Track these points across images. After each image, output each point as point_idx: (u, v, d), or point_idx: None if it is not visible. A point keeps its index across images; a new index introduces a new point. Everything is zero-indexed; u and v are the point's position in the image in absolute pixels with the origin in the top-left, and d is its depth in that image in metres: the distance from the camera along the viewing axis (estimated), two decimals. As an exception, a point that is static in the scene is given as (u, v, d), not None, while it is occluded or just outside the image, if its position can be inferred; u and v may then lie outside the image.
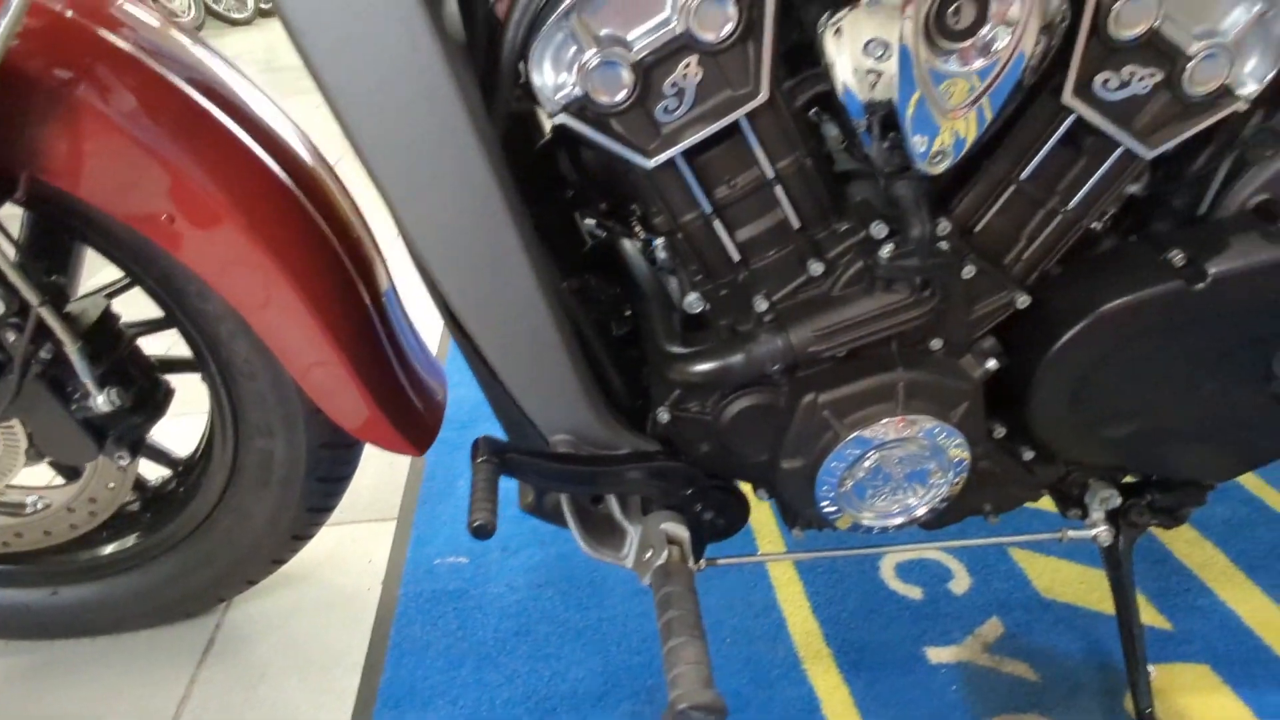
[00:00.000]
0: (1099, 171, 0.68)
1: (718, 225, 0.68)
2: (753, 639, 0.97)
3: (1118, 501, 0.84)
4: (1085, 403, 0.74)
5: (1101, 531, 0.83)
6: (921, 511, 0.74)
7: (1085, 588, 1.01)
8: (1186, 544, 1.08)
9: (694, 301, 0.72)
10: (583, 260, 0.84)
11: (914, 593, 1.01)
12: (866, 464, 0.72)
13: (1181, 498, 0.86)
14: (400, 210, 0.62)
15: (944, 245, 0.66)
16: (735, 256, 0.70)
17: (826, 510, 0.74)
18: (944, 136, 0.59)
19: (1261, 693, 0.88)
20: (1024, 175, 0.68)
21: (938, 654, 0.93)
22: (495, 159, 0.61)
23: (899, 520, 0.74)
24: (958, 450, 0.71)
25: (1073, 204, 0.69)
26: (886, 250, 0.65)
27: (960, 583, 1.03)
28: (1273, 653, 0.92)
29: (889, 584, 1.03)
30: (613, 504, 0.71)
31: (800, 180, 0.67)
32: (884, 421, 0.70)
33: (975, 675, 0.91)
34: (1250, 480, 1.18)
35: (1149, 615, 0.97)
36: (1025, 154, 0.67)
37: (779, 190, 0.68)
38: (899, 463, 0.72)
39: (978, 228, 0.70)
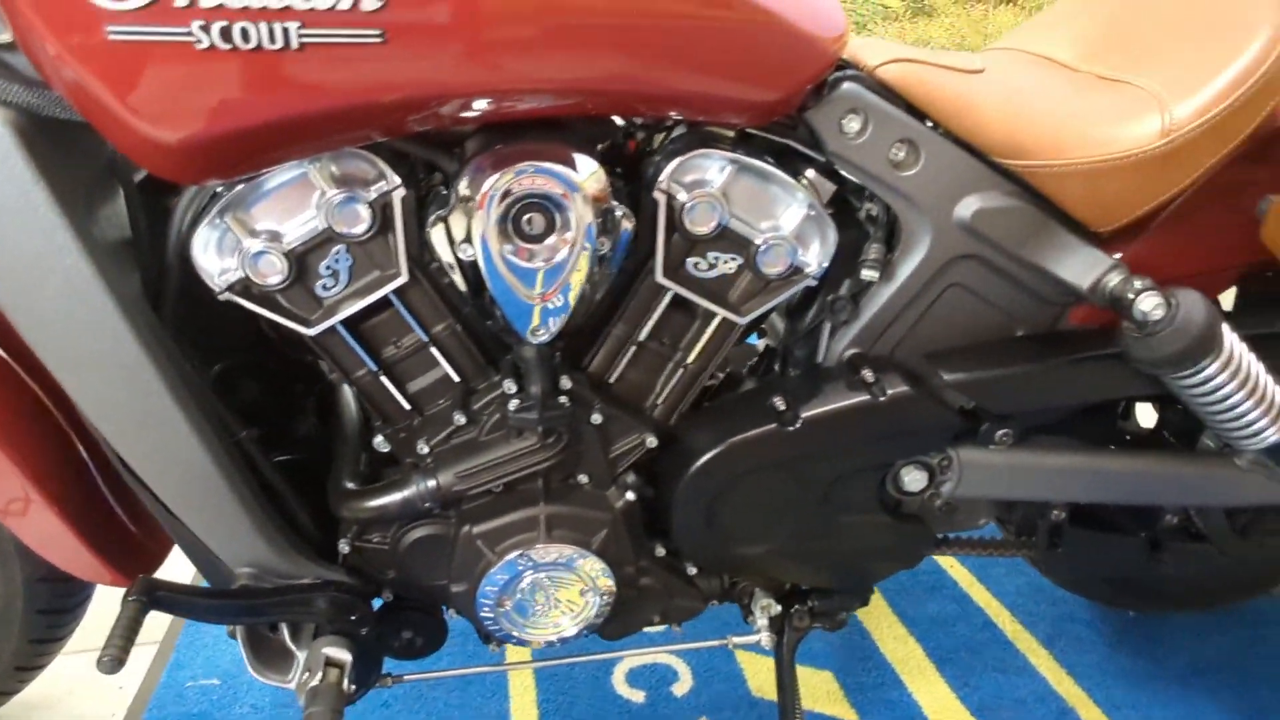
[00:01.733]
0: (706, 334, 0.82)
1: (386, 380, 0.79)
2: (477, 750, 1.03)
3: (778, 609, 0.95)
4: (718, 526, 0.86)
5: (764, 636, 0.94)
6: (574, 630, 0.84)
7: (806, 689, 1.10)
8: (894, 640, 1.21)
9: (380, 443, 0.82)
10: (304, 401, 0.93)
11: (638, 697, 1.10)
12: (521, 587, 0.81)
13: (841, 602, 0.99)
14: (65, 383, 0.70)
15: (564, 400, 0.78)
16: (406, 406, 0.80)
17: (491, 628, 0.83)
18: (536, 315, 0.71)
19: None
20: (642, 337, 0.81)
21: (648, 759, 1.02)
22: (147, 336, 0.70)
23: (552, 637, 0.84)
24: (600, 573, 0.82)
25: (691, 359, 0.83)
26: (513, 404, 0.76)
27: (683, 685, 1.12)
28: (940, 740, 1.04)
29: (617, 689, 1.11)
30: (283, 630, 0.78)
31: (454, 342, 0.79)
32: (531, 549, 0.80)
33: (671, 774, 0.99)
34: (962, 575, 1.33)
35: (839, 708, 1.08)
36: (640, 320, 0.81)
37: (435, 351, 0.79)
38: (549, 586, 0.82)
39: (613, 379, 0.83)
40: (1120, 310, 0.78)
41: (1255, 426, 0.83)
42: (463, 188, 0.69)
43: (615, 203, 0.72)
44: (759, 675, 1.13)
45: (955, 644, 1.19)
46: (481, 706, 1.08)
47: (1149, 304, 0.76)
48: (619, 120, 0.80)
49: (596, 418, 0.80)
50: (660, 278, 0.77)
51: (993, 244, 0.82)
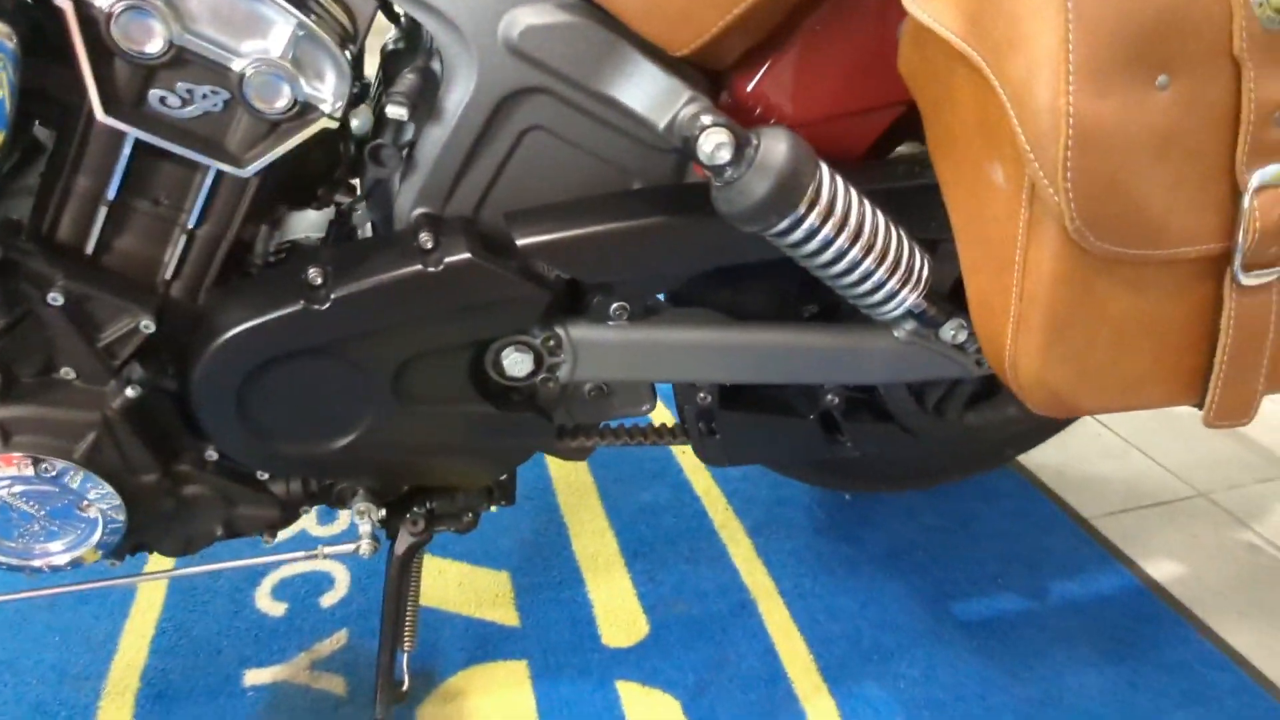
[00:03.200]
0: (204, 190, 0.66)
1: None
2: (66, 679, 0.90)
3: (381, 514, 0.84)
4: (257, 422, 0.72)
5: (364, 545, 0.83)
6: (66, 556, 0.70)
7: (460, 591, 1.02)
8: (591, 534, 1.11)
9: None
10: None
11: (278, 610, 0.99)
12: (-6, 504, 0.67)
13: (466, 502, 0.88)
14: None
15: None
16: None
17: (-24, 553, 0.70)
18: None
19: (556, 684, 0.91)
20: (112, 195, 0.64)
21: (257, 675, 0.91)
22: None
23: (40, 564, 0.70)
24: (88, 485, 0.68)
25: (195, 223, 0.67)
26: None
27: (335, 594, 1.01)
28: (600, 642, 0.96)
29: (258, 602, 1.00)
30: None
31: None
32: (-9, 461, 0.66)
33: (285, 695, 0.89)
34: (689, 462, 1.24)
35: (501, 612, 0.99)
36: (105, 173, 0.64)
37: None
38: (32, 501, 0.68)
39: (90, 249, 0.67)
40: (690, 153, 0.64)
41: (885, 290, 0.71)
42: None
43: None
44: (426, 579, 1.03)
45: (656, 536, 1.11)
46: (90, 629, 0.95)
47: (711, 143, 0.62)
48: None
49: (56, 297, 0.64)
50: (102, 116, 0.60)
51: (553, 72, 0.66)
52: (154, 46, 0.58)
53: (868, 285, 0.70)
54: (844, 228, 0.67)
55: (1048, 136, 0.53)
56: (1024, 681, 0.92)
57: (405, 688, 0.84)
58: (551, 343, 0.76)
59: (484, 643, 0.95)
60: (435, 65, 0.68)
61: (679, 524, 1.13)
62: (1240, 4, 0.54)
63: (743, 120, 0.68)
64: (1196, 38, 0.54)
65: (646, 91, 0.66)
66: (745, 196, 0.64)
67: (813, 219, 0.65)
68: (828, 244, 0.67)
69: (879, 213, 0.69)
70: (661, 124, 0.65)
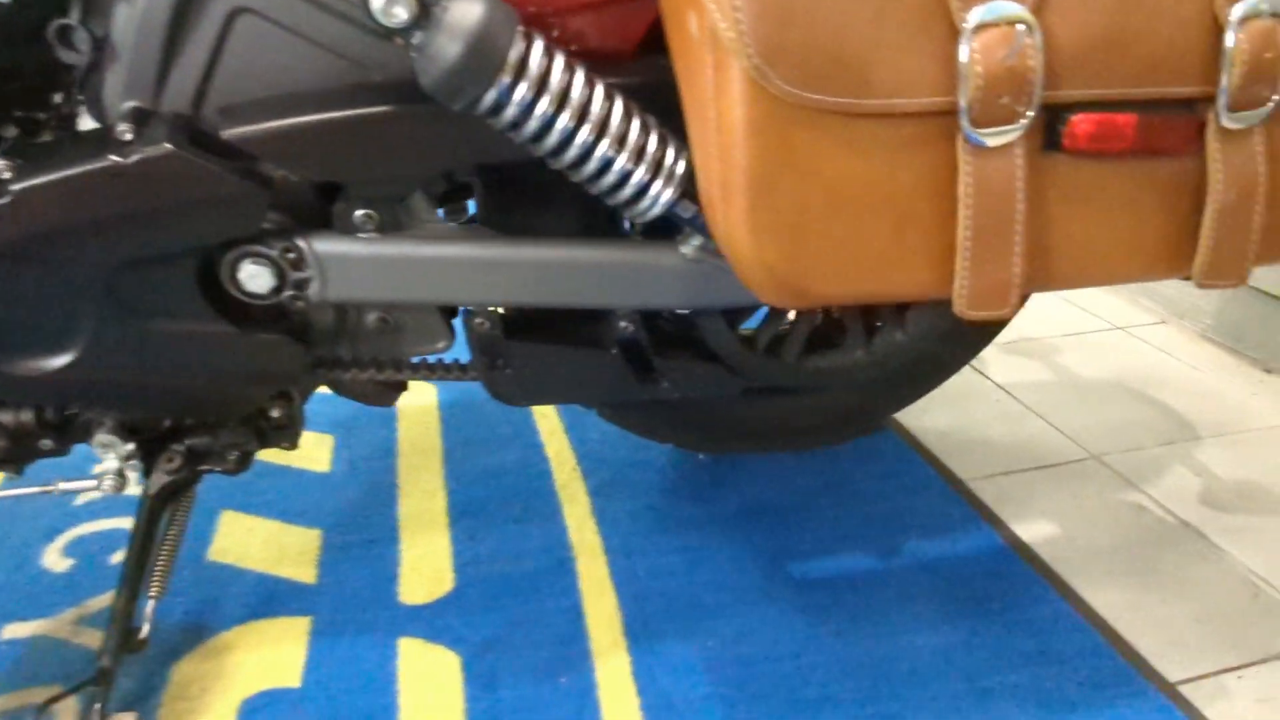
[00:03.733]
0: None
1: None
2: None
3: (128, 448, 0.78)
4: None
5: (105, 481, 0.77)
6: None
7: (264, 548, 0.95)
8: (420, 494, 1.04)
9: None
10: None
11: (62, 565, 0.92)
12: None
13: (232, 438, 0.82)
14: None
15: None
16: None
17: None
18: None
19: (335, 641, 0.83)
20: None
21: (17, 629, 0.84)
22: None
23: None
24: None
25: None
26: None
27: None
28: (396, 600, 0.89)
29: (44, 558, 0.93)
30: None
31: None
32: None
33: (39, 648, 0.82)
34: (549, 425, 1.17)
35: (302, 569, 0.92)
36: None
37: None
38: None
39: None
40: (369, 19, 0.58)
41: (634, 182, 0.64)
42: None
43: None
44: (231, 536, 0.97)
45: (489, 496, 1.04)
46: None
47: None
48: None
49: None
50: None
51: None
52: None
53: (611, 177, 0.63)
54: (564, 105, 0.60)
55: None
56: (848, 641, 0.83)
57: (143, 636, 0.77)
58: (291, 255, 0.70)
59: (271, 599, 0.88)
60: None
61: (518, 484, 1.06)
62: None
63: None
64: None
65: None
66: (437, 62, 0.57)
67: (523, 92, 0.59)
68: (548, 124, 0.60)
69: (617, 96, 0.63)
70: None
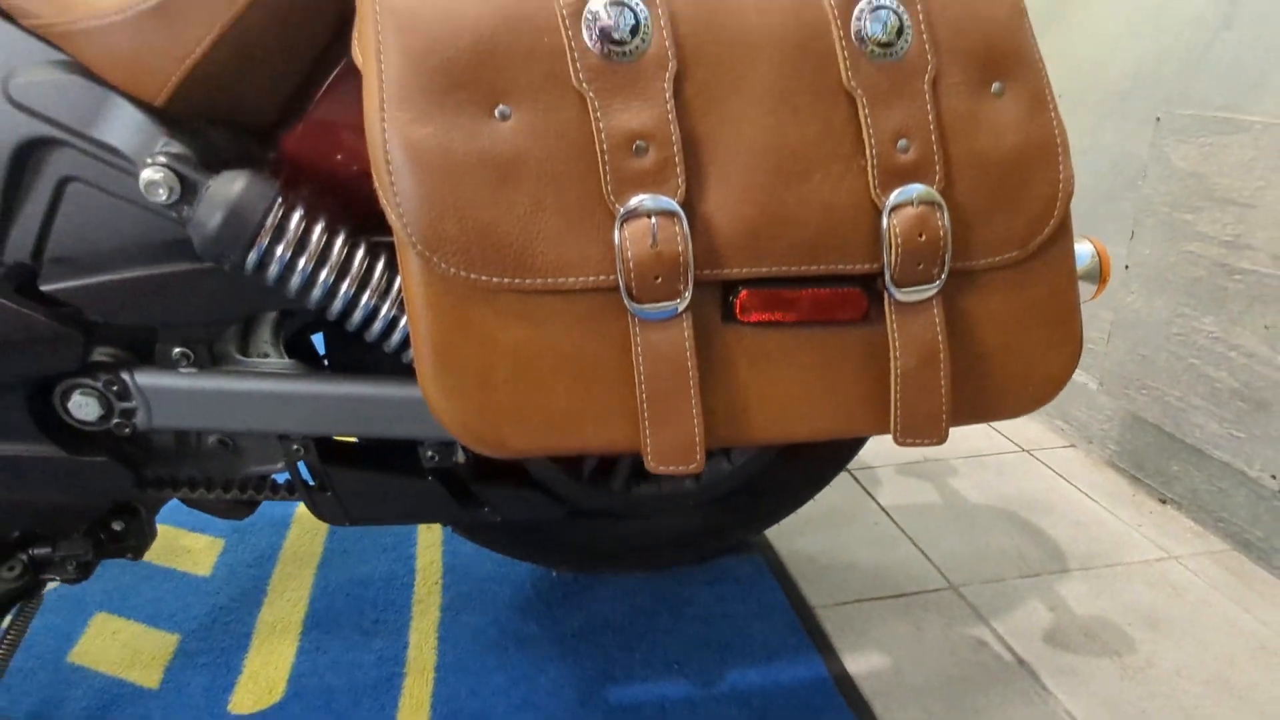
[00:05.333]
0: None
1: None
2: None
3: (-33, 557, 0.86)
4: None
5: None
6: None
7: (120, 650, 1.00)
8: (285, 603, 1.10)
9: None
10: None
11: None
12: None
13: (70, 548, 0.89)
14: None
15: None
16: None
17: None
18: None
19: None
20: None
21: None
22: None
23: None
24: None
25: None
26: None
27: (-1, 649, 1.02)
28: (226, 709, 0.93)
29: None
30: None
31: None
32: None
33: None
34: (429, 539, 1.22)
35: (146, 674, 0.98)
36: None
37: None
38: None
39: None
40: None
41: (402, 328, 0.72)
42: None
43: None
44: (97, 638, 1.03)
45: (348, 607, 1.09)
46: None
47: (144, 180, 0.65)
48: None
49: None
50: None
51: (53, 121, 0.71)
52: None
53: (379, 324, 0.71)
54: (323, 262, 0.69)
55: (376, 158, 0.55)
56: (637, 771, 0.86)
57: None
58: (115, 388, 0.78)
59: (109, 703, 0.93)
60: None
61: (379, 595, 1.11)
62: (571, 35, 0.55)
63: (296, 175, 0.72)
64: (529, 69, 0.56)
65: (133, 136, 0.70)
66: (201, 230, 0.66)
67: (281, 251, 0.67)
68: (308, 279, 0.68)
69: (382, 253, 0.71)
70: (144, 169, 0.69)
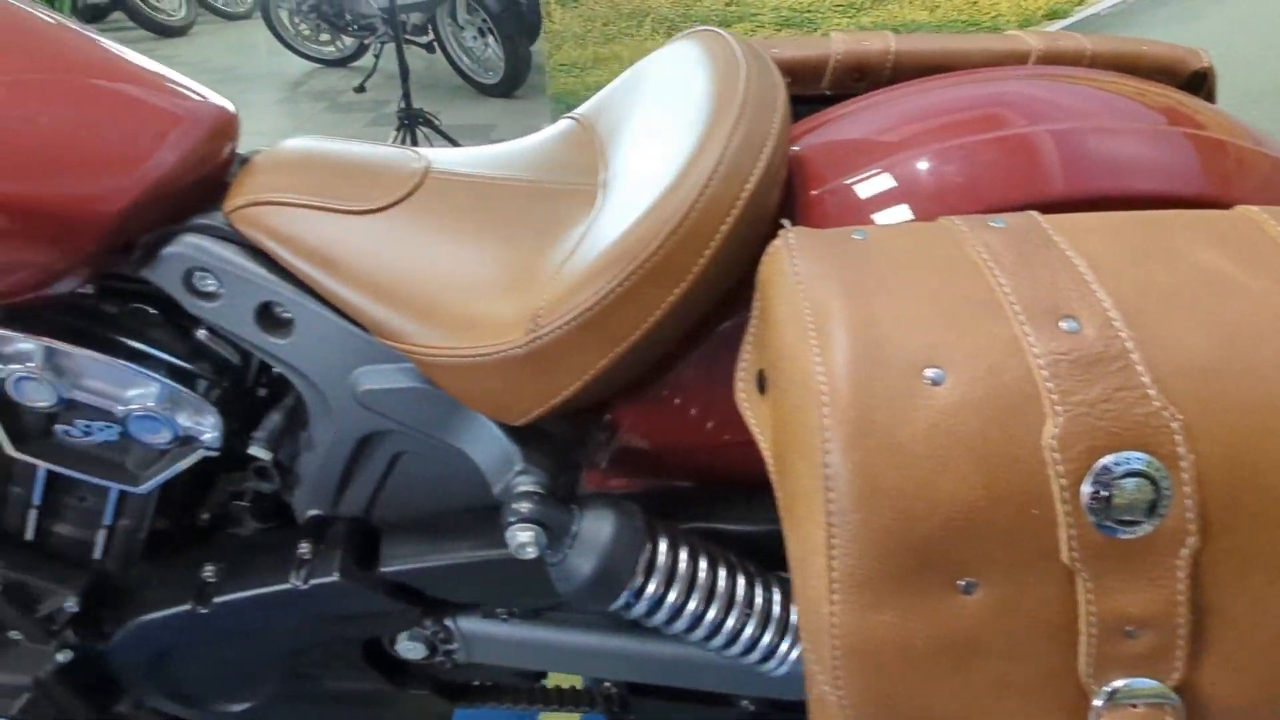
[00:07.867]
0: (113, 494, 0.75)
1: None
2: None
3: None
4: (174, 692, 0.80)
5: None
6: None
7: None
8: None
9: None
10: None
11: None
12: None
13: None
14: None
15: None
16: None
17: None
18: None
19: None
20: (37, 501, 0.75)
21: None
22: None
23: None
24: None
25: (113, 519, 0.77)
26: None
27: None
28: None
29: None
30: None
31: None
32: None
33: None
34: None
35: None
36: (29, 487, 0.75)
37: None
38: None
39: (30, 539, 0.77)
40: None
41: (762, 646, 0.65)
42: None
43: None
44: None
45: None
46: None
47: (516, 540, 0.62)
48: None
49: (-1, 582, 0.75)
50: (13, 452, 0.71)
51: (401, 423, 0.68)
52: (46, 400, 0.69)
53: (737, 646, 0.65)
54: (691, 591, 0.62)
55: (819, 646, 0.46)
56: None
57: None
58: (441, 635, 0.77)
59: None
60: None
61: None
62: (1070, 511, 0.44)
63: (631, 439, 0.67)
64: (1009, 545, 0.44)
65: (487, 450, 0.68)
66: (571, 579, 0.62)
67: (652, 589, 0.62)
68: (677, 611, 0.63)
69: (739, 570, 0.64)
70: (497, 488, 0.65)
